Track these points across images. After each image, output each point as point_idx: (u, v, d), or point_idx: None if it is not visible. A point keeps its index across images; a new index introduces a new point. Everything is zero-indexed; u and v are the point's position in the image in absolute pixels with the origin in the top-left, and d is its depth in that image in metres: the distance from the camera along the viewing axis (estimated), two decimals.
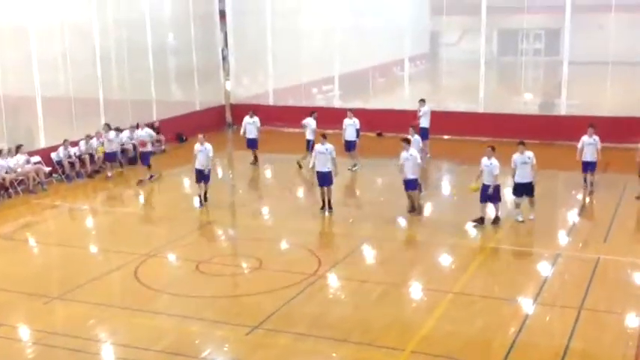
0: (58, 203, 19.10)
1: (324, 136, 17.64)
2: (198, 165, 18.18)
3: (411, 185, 17.11)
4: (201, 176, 18.25)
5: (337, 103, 28.61)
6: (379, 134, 26.94)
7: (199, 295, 12.88)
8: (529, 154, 16.10)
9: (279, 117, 29.16)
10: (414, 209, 17.33)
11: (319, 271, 13.77)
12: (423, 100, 23.20)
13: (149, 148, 21.61)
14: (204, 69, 29.35)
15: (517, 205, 16.40)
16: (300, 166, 21.94)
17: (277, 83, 29.97)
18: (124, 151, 23.23)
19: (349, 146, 21.94)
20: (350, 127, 21.84)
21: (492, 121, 22.42)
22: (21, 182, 19.90)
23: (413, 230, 17.01)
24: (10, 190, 19.52)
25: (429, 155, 21.94)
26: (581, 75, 25.97)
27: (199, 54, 29.02)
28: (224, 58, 30.70)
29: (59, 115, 22.92)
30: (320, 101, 29.75)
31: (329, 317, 11.84)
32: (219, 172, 22.36)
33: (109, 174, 21.73)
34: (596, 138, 18.47)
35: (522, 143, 16.25)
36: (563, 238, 15.81)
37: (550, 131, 23.40)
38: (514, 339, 10.85)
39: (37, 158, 20.74)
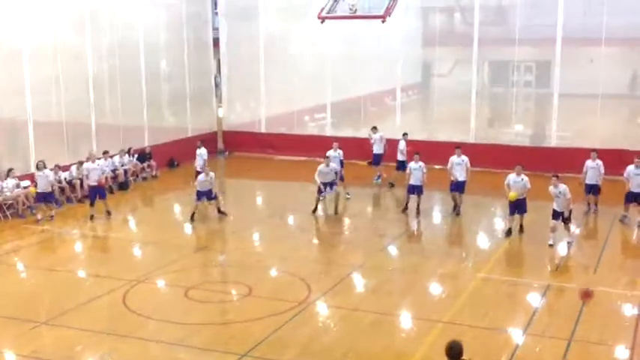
0: (47, 227, 18.99)
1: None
2: (201, 187, 19.31)
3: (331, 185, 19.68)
4: (208, 196, 19.59)
5: (329, 132, 28.68)
6: (370, 163, 26.97)
7: (188, 321, 12.78)
8: (562, 187, 16.63)
9: (271, 144, 29.26)
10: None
11: (309, 298, 13.71)
12: (375, 128, 24.64)
13: (103, 181, 20.39)
14: (196, 95, 29.45)
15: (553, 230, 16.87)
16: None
17: (269, 110, 30.08)
18: (116, 176, 23.21)
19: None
20: (335, 159, 21.53)
21: (483, 151, 22.52)
22: (10, 206, 19.80)
23: (403, 259, 17.00)
24: None
25: (379, 178, 24.07)
26: (572, 107, 26.15)
27: (192, 80, 29.15)
28: (216, 85, 30.86)
29: (51, 140, 22.88)
30: (312, 129, 29.86)
31: (319, 345, 11.76)
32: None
33: (39, 217, 19.42)
34: (599, 162, 19.58)
35: (557, 176, 16.91)
36: (553, 268, 15.81)
37: (541, 162, 23.49)
38: None
39: (27, 182, 20.65)
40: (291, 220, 20.33)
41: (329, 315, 13.27)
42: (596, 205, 19.85)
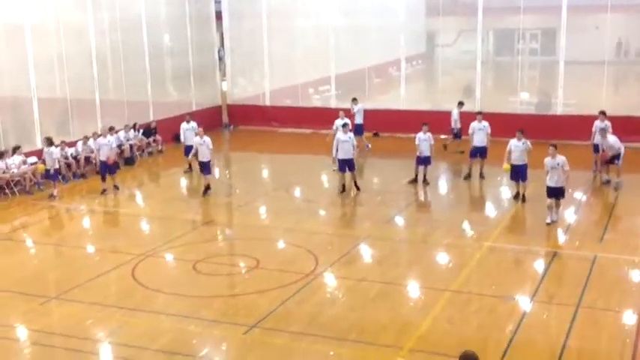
0: (54, 204, 19.07)
1: (346, 125, 19.54)
2: (200, 158, 19.36)
3: (349, 165, 19.00)
4: (203, 167, 19.42)
5: (334, 104, 28.61)
6: (375, 134, 26.95)
7: (196, 294, 12.87)
8: (560, 159, 15.90)
9: (276, 117, 29.21)
10: (344, 190, 19.14)
11: (316, 270, 13.78)
12: (355, 99, 24.81)
13: (114, 157, 20.21)
14: (200, 70, 29.35)
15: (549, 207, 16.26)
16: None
17: (274, 84, 29.98)
18: (122, 151, 23.25)
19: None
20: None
21: (489, 120, 22.36)
22: (17, 183, 19.89)
23: (410, 229, 17.04)
24: (7, 191, 19.52)
25: (368, 146, 24.18)
26: (577, 74, 26.01)
27: (195, 55, 29.03)
28: (220, 59, 30.75)
29: (56, 116, 22.91)
30: (316, 101, 29.79)
31: (326, 316, 11.84)
32: (217, 172, 22.33)
33: (54, 193, 19.44)
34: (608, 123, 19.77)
35: (554, 146, 15.96)
36: (559, 236, 15.83)
37: (546, 131, 23.41)
38: (511, 337, 10.86)
39: (33, 159, 20.71)
40: (297, 192, 20.36)
41: (336, 286, 13.34)
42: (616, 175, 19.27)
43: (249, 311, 11.96)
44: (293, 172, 22.28)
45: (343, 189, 19.23)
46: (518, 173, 17.74)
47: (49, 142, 19.63)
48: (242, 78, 31.51)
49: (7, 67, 21.37)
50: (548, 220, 16.08)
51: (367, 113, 24.90)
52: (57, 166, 19.74)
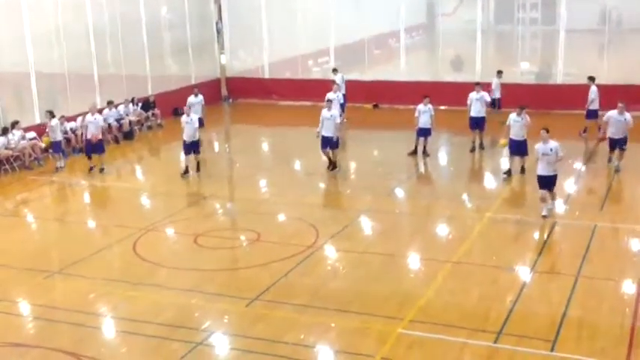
0: (54, 179, 19.08)
1: (330, 101, 18.95)
2: (186, 137, 18.57)
3: (330, 143, 18.34)
4: (191, 148, 18.63)
5: (333, 75, 28.42)
6: (375, 106, 26.89)
7: (198, 268, 12.92)
8: (553, 144, 14.47)
9: (275, 90, 29.09)
10: (335, 166, 18.62)
11: (317, 242, 13.82)
12: (335, 70, 25.07)
13: (99, 136, 19.54)
14: (198, 43, 29.17)
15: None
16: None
17: (273, 56, 29.81)
18: (121, 125, 23.22)
19: None
20: (335, 101, 21.36)
21: (489, 90, 22.34)
22: (17, 158, 19.88)
23: (411, 201, 17.07)
24: (7, 167, 19.52)
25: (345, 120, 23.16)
26: (578, 43, 25.86)
27: (193, 27, 28.83)
28: (218, 32, 30.51)
29: (54, 91, 22.82)
30: (316, 73, 29.63)
31: (328, 288, 11.90)
32: (216, 145, 22.31)
33: (61, 164, 19.78)
34: (627, 116, 17.49)
35: (547, 130, 14.56)
36: (560, 206, 15.84)
37: (547, 100, 23.34)
38: (511, 307, 10.92)
39: (32, 134, 20.68)
40: (297, 165, 20.35)
41: (337, 258, 13.39)
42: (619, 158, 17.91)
43: (251, 284, 12.02)
44: (293, 145, 22.25)
45: (332, 165, 18.66)
46: (518, 147, 17.42)
47: (52, 114, 19.71)
48: (241, 50, 31.33)
49: (5, 43, 21.24)
50: (544, 213, 14.66)
51: (366, 85, 24.85)
52: (60, 138, 19.82)
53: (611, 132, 17.64)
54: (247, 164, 20.35)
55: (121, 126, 23.23)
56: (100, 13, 24.44)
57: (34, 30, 21.69)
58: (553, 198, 14.90)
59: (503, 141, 17.62)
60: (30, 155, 20.04)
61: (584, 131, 21.07)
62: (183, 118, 18.72)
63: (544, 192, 14.66)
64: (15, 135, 19.94)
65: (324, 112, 18.47)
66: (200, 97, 22.48)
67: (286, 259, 12.96)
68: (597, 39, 25.62)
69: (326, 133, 18.32)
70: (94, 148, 19.46)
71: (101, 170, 19.38)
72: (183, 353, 9.87)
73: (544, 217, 14.60)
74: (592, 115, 20.83)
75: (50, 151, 20.40)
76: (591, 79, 21.12)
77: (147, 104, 25.05)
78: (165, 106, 25.83)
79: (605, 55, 25.18)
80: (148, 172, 20.63)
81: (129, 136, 23.43)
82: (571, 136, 20.88)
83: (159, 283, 12.34)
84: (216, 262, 13.30)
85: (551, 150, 14.34)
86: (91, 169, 19.46)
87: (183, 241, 14.61)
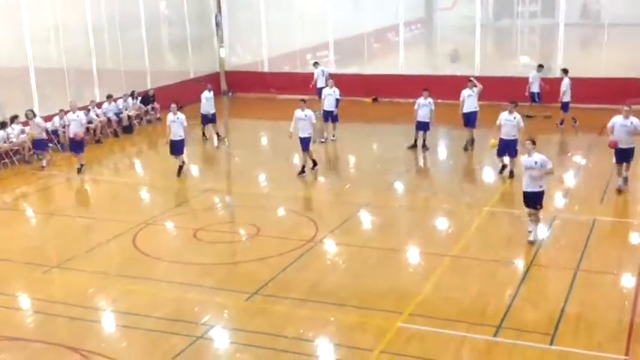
0: (54, 173, 19.07)
1: (304, 101, 18.06)
2: (172, 136, 18.02)
3: (306, 144, 17.75)
4: (175, 148, 18.10)
5: (332, 69, 28.42)
6: (374, 100, 26.86)
7: (198, 262, 12.93)
8: (539, 157, 12.84)
9: (274, 84, 29.05)
10: (304, 171, 17.96)
11: (317, 237, 13.82)
12: (316, 63, 25.26)
13: (82, 134, 19.26)
14: (197, 37, 29.13)
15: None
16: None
17: (272, 50, 29.77)
18: (120, 119, 23.22)
19: (328, 116, 21.36)
20: (329, 96, 21.23)
21: (488, 84, 22.27)
22: (16, 152, 19.87)
23: (410, 195, 17.07)
24: (6, 160, 19.51)
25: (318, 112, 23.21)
26: (578, 37, 25.82)
27: (193, 22, 28.81)
28: (217, 26, 30.46)
29: (53, 86, 22.80)
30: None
31: (327, 283, 11.91)
32: (215, 139, 22.30)
33: (44, 163, 19.41)
34: (635, 120, 15.40)
35: (533, 142, 12.93)
36: (559, 200, 15.85)
37: (546, 94, 23.28)
38: (511, 301, 10.93)
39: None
40: (296, 159, 20.33)
41: (336, 253, 13.40)
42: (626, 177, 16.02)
43: (251, 278, 12.02)
44: (292, 140, 22.17)
45: (311, 167, 18.18)
46: (507, 147, 16.62)
47: (33, 113, 19.64)
48: (240, 45, 31.27)
49: (4, 38, 21.19)
50: (531, 238, 13.03)
51: (366, 78, 24.82)
52: (44, 137, 19.66)
53: (612, 138, 15.49)
54: (246, 158, 20.33)
55: (120, 120, 23.22)
56: (98, 8, 24.39)
57: (33, 25, 21.64)
58: (538, 220, 13.19)
59: (492, 141, 16.70)
60: (29, 149, 20.03)
61: (561, 123, 21.66)
62: (170, 116, 18.13)
63: (530, 210, 13.07)
64: (14, 129, 19.93)
65: (298, 112, 17.83)
66: (212, 92, 22.21)
67: (285, 254, 12.97)
68: (596, 32, 25.57)
69: (302, 134, 17.72)
70: (75, 146, 19.03)
71: (79, 170, 18.86)
72: (183, 347, 9.88)
73: (530, 242, 12.94)
74: (566, 107, 21.42)
75: (34, 149, 19.97)
76: (564, 71, 21.64)
77: (146, 98, 25.04)
78: (164, 100, 25.76)
79: (604, 48, 25.13)
80: (147, 166, 20.61)
81: (128, 130, 23.42)
82: (569, 130, 20.97)
83: (158, 277, 12.35)
84: (215, 256, 13.30)
85: (535, 163, 12.64)
86: (82, 167, 19.00)
87: (182, 235, 14.61)
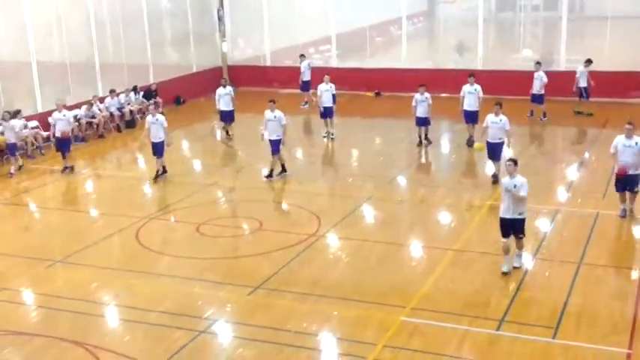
0: (56, 168, 19.07)
1: (273, 102, 17.33)
2: (152, 138, 17.47)
3: (276, 147, 16.98)
4: (155, 150, 17.60)
5: (335, 63, 28.42)
6: (377, 93, 26.83)
7: (201, 256, 12.95)
8: (520, 180, 11.47)
9: (277, 78, 29.02)
10: (271, 175, 17.22)
11: (319, 231, 13.83)
12: (302, 56, 25.35)
13: (69, 134, 18.81)
14: (199, 31, 29.11)
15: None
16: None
17: (274, 44, 29.74)
18: (123, 114, 23.23)
19: (326, 113, 21.09)
20: (326, 92, 20.97)
21: (491, 78, 22.27)
22: (19, 147, 19.84)
23: (412, 190, 17.06)
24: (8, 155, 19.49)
25: (307, 103, 23.77)
26: (580, 30, 25.75)
27: (195, 16, 28.76)
28: (220, 20, 30.41)
29: (56, 80, 22.81)
30: (317, 61, 29.51)
31: (330, 277, 11.93)
32: (218, 133, 22.29)
33: (12, 170, 18.47)
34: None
35: (514, 162, 11.64)
36: (562, 193, 15.84)
37: (549, 87, 23.26)
38: (513, 295, 10.95)
39: (34, 123, 20.68)
40: (298, 154, 20.34)
41: (339, 247, 13.41)
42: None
43: (253, 273, 12.04)
44: (294, 134, 22.19)
45: (278, 172, 17.41)
46: (492, 151, 15.86)
47: (10, 115, 18.99)
48: (242, 39, 31.25)
49: (6, 32, 21.19)
50: (505, 269, 11.60)
51: (368, 72, 24.78)
52: (14, 141, 18.60)
53: (620, 163, 13.57)
54: (249, 152, 20.32)
55: (122, 115, 23.23)
56: (101, 2, 24.38)
57: (35, 20, 21.63)
58: (520, 247, 11.84)
59: (478, 145, 16.17)
60: (32, 144, 20.03)
61: (531, 114, 21.94)
62: (149, 118, 17.63)
63: (505, 241, 11.62)
64: (17, 124, 19.89)
65: (267, 113, 17.16)
66: (229, 88, 21.73)
67: (288, 248, 12.98)
68: (599, 25, 25.51)
69: (271, 137, 17.03)
70: (61, 145, 18.61)
71: (64, 170, 18.47)
72: (186, 341, 9.90)
73: (504, 273, 11.55)
74: (538, 99, 21.78)
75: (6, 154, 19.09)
76: (539, 63, 22.02)
77: (149, 93, 25.02)
78: (166, 95, 25.80)
79: (608, 41, 25.07)
80: (149, 161, 20.57)
81: (131, 124, 23.42)
82: (572, 123, 20.91)
83: (161, 271, 12.38)
84: (218, 251, 13.32)
85: (515, 186, 11.31)
86: (64, 169, 18.57)
87: (185, 230, 14.61)
